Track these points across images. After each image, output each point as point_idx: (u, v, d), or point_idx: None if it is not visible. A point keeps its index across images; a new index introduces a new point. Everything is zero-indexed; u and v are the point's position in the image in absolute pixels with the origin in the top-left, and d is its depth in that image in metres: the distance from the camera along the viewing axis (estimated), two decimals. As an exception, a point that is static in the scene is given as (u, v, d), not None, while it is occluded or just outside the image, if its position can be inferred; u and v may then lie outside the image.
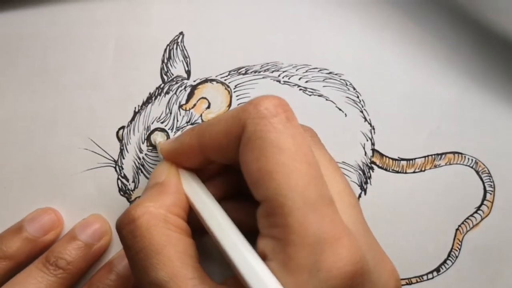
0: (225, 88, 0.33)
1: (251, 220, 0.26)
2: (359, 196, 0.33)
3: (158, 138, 0.33)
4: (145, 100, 0.33)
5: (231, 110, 0.24)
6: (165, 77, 0.33)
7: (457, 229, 0.33)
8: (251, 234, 0.24)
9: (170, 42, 0.33)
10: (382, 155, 0.33)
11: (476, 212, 0.34)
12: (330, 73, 0.34)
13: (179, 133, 0.33)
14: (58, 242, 0.30)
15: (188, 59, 0.33)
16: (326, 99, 0.33)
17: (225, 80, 0.33)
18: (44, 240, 0.30)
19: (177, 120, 0.33)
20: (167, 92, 0.33)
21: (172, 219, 0.24)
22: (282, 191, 0.21)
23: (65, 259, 0.29)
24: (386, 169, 0.33)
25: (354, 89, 0.34)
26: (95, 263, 0.31)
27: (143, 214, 0.23)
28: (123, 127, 0.33)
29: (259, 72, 0.34)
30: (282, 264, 0.21)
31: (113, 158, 0.33)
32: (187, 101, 0.33)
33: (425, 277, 0.33)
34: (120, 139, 0.33)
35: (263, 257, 0.22)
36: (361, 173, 0.33)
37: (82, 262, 0.30)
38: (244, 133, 0.22)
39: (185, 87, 0.33)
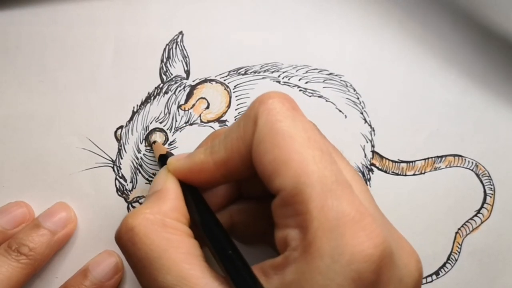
0: (225, 88, 0.33)
1: (256, 220, 0.27)
2: (358, 198, 0.33)
3: (157, 138, 0.32)
4: (143, 99, 0.33)
5: (239, 117, 0.24)
6: (164, 76, 0.33)
7: (456, 232, 0.33)
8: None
9: (169, 42, 0.33)
10: (382, 157, 0.33)
11: (476, 215, 0.33)
12: (330, 74, 0.34)
13: (178, 133, 0.33)
14: (21, 230, 0.30)
15: (187, 59, 0.33)
16: (326, 100, 0.33)
17: (224, 80, 0.33)
18: (14, 233, 0.31)
19: (176, 120, 0.33)
20: (166, 92, 0.33)
21: (170, 223, 0.24)
22: (300, 178, 0.21)
23: (28, 245, 0.29)
24: (386, 171, 0.33)
25: (354, 90, 0.34)
26: (63, 251, 0.32)
27: (140, 221, 0.23)
28: (121, 127, 0.33)
29: (259, 72, 0.33)
30: (303, 251, 0.20)
31: (111, 158, 0.32)
32: (186, 101, 0.33)
33: (424, 281, 0.33)
34: (118, 139, 0.33)
35: (283, 247, 0.22)
36: (360, 175, 0.33)
37: (45, 248, 0.30)
38: (257, 127, 0.23)
39: (184, 87, 0.33)
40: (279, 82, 0.33)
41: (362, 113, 0.33)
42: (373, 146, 0.33)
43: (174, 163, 0.26)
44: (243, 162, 0.24)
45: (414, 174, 0.33)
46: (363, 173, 0.33)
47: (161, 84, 0.33)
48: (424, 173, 0.33)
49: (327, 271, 0.20)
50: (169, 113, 0.33)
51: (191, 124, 0.33)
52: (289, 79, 0.33)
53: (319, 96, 0.33)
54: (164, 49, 0.33)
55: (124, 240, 0.23)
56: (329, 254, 0.20)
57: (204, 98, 0.33)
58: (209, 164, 0.25)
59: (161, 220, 0.23)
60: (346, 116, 0.33)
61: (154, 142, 0.32)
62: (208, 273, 0.22)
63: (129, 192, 0.32)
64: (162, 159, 0.29)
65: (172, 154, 0.30)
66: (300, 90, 0.33)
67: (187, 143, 0.32)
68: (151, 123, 0.33)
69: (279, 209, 0.22)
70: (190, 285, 0.21)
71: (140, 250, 0.23)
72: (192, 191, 0.26)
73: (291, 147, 0.22)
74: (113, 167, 0.32)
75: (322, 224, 0.20)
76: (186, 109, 0.33)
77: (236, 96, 0.33)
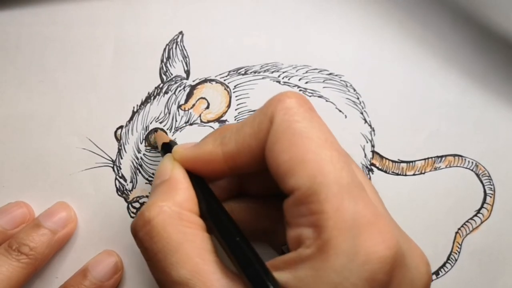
0: (225, 88, 0.33)
1: (256, 218, 0.27)
2: (358, 198, 0.33)
3: (156, 138, 0.32)
4: (143, 99, 0.33)
5: (253, 112, 0.24)
6: (164, 76, 0.33)
7: (456, 232, 0.33)
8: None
9: (169, 42, 0.33)
10: (382, 157, 0.33)
11: (476, 215, 0.33)
12: (330, 74, 0.34)
13: (178, 133, 0.33)
14: (22, 230, 0.30)
15: (187, 59, 0.33)
16: (326, 100, 0.33)
17: (224, 80, 0.33)
18: (14, 233, 0.31)
19: (176, 120, 0.33)
20: (166, 92, 0.33)
21: (186, 216, 0.24)
22: (316, 178, 0.21)
23: (28, 245, 0.29)
24: (386, 171, 0.33)
25: (354, 90, 0.34)
26: (63, 251, 0.32)
27: (158, 214, 0.23)
28: (121, 127, 0.33)
29: (259, 72, 0.33)
30: (319, 250, 0.20)
31: (111, 158, 0.33)
32: (186, 101, 0.33)
33: (424, 280, 0.33)
34: (118, 139, 0.33)
35: (296, 245, 0.22)
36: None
37: (45, 248, 0.30)
38: (273, 126, 0.23)
39: (184, 87, 0.33)
40: (279, 82, 0.33)
41: (362, 113, 0.33)
42: (373, 146, 0.33)
43: (181, 152, 0.26)
44: (252, 158, 0.24)
45: (414, 174, 0.33)
46: (363, 173, 0.33)
47: (161, 84, 0.33)
48: (424, 173, 0.33)
49: (342, 269, 0.20)
50: (169, 113, 0.33)
51: (191, 124, 0.33)
52: (289, 79, 0.33)
53: (319, 96, 0.33)
54: (164, 49, 0.33)
55: (142, 233, 0.23)
56: (345, 253, 0.20)
57: (204, 98, 0.33)
58: (217, 155, 0.25)
59: (178, 212, 0.24)
60: (346, 116, 0.33)
61: (157, 130, 0.32)
62: (219, 269, 0.22)
63: (129, 192, 0.32)
64: (166, 148, 0.29)
65: (175, 143, 0.30)
66: (300, 90, 0.33)
67: (187, 143, 0.32)
68: (151, 123, 0.33)
69: (292, 208, 0.22)
70: (202, 280, 0.22)
71: (157, 244, 0.23)
72: (198, 180, 0.26)
73: (308, 147, 0.22)
74: (113, 167, 0.32)
75: (338, 224, 0.20)
76: (186, 109, 0.33)
77: (236, 96, 0.33)
